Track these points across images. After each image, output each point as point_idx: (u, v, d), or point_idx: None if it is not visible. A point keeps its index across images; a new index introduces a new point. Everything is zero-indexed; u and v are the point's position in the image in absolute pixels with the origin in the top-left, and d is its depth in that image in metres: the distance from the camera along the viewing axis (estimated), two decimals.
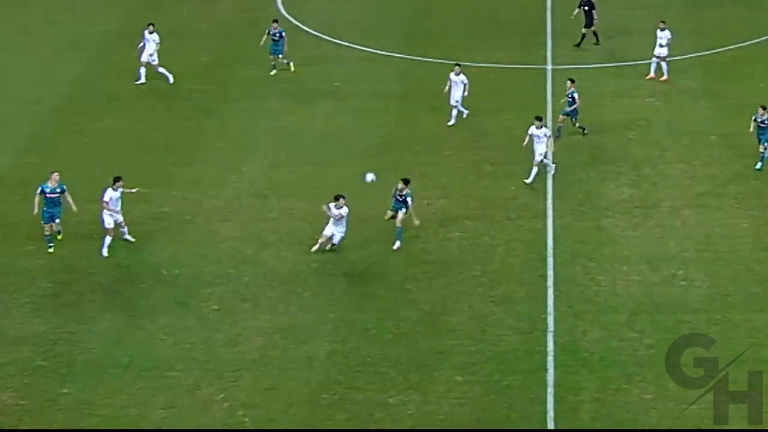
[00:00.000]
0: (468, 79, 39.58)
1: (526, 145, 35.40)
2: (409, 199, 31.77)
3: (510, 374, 26.73)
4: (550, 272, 30.80)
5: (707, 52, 46.02)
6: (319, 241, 31.15)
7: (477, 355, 27.46)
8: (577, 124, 38.37)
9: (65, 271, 31.03)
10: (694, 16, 50.04)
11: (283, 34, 44.39)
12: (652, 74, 43.56)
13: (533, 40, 47.47)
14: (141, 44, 43.59)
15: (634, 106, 41.55)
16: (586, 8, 46.03)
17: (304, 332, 28.47)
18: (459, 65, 40.05)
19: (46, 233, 31.64)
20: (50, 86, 43.44)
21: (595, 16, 46.11)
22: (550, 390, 26.17)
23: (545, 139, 35.01)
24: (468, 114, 39.89)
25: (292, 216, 33.63)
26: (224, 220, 33.84)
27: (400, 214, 31.81)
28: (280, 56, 44.24)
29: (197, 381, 26.68)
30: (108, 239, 31.54)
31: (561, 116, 38.23)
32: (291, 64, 44.57)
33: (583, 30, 46.27)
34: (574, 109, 38.07)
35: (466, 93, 39.64)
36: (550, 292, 29.93)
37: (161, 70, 43.57)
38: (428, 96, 41.39)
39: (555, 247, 32.00)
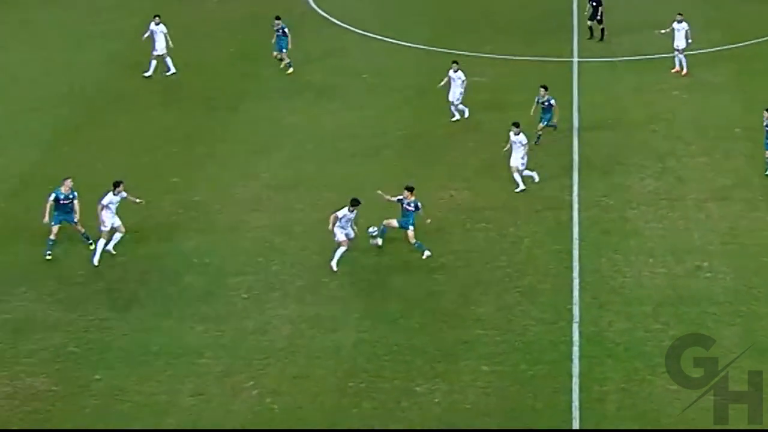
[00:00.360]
0: (466, 75, 39.22)
1: (506, 150, 34.97)
2: (419, 204, 31.27)
3: (535, 364, 26.72)
4: (576, 264, 30.74)
5: (732, 46, 45.83)
6: (341, 248, 30.63)
7: (503, 345, 27.46)
8: (550, 124, 37.29)
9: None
10: (720, 9, 49.90)
11: (286, 30, 43.89)
12: (677, 68, 43.43)
13: (560, 33, 47.36)
14: (146, 34, 43.51)
15: (659, 100, 41.41)
16: (594, 3, 46.17)
17: (332, 321, 28.53)
18: (457, 62, 39.62)
19: (52, 237, 31.03)
20: (73, 83, 43.43)
21: (600, 12, 45.99)
22: (576, 380, 26.13)
23: (522, 147, 34.46)
24: (469, 113, 39.52)
25: (318, 207, 33.62)
26: (253, 210, 33.92)
27: (411, 232, 31.22)
28: (284, 51, 43.80)
29: (226, 368, 26.78)
30: (102, 243, 31.03)
31: (540, 125, 37.19)
32: (285, 63, 43.76)
33: (599, 25, 46.16)
34: (551, 115, 37.19)
35: (462, 90, 39.13)
36: (576, 283, 29.87)
37: (154, 62, 43.34)
38: None
39: (580, 239, 31.94)
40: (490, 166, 36.36)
